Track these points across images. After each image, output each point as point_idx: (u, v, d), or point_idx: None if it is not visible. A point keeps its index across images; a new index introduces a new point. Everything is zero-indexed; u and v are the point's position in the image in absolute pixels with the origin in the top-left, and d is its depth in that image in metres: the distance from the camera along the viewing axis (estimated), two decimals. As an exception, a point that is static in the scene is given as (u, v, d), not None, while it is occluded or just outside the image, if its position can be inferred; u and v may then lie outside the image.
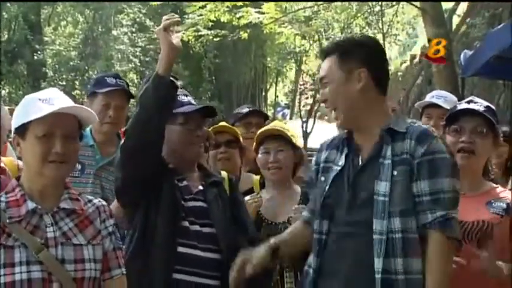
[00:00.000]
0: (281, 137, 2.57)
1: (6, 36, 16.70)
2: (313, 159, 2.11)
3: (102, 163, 2.68)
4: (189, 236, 2.09)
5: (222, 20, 9.41)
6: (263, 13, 9.27)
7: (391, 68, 16.52)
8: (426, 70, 11.45)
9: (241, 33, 9.94)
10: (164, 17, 2.09)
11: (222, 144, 2.86)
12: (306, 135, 17.89)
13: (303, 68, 21.78)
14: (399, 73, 16.05)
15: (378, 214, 1.81)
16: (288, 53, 21.54)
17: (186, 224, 2.10)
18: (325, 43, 17.14)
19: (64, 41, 18.44)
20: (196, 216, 2.13)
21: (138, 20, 17.70)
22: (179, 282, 2.04)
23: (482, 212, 2.10)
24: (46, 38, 18.34)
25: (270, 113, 21.93)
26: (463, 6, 10.50)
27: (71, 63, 17.64)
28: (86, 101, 2.82)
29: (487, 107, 2.21)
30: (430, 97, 3.26)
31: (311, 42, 18.50)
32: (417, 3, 8.42)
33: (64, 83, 16.94)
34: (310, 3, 11.33)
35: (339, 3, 14.30)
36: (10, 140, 2.03)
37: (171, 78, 2.05)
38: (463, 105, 2.25)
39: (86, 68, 17.43)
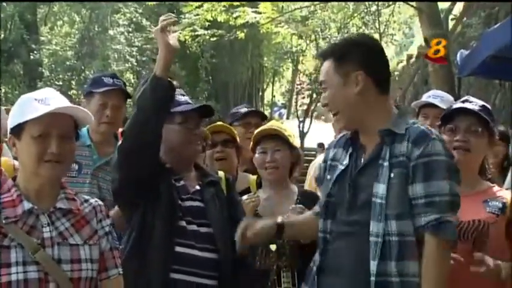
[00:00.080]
0: (278, 137, 2.57)
1: (2, 35, 16.63)
2: (324, 156, 2.12)
3: (99, 163, 2.68)
4: (187, 235, 2.09)
5: (218, 19, 9.41)
6: (260, 13, 9.28)
7: (388, 67, 16.47)
8: (423, 70, 11.48)
9: (238, 33, 9.94)
10: (161, 18, 2.09)
11: (219, 143, 2.86)
12: (302, 135, 17.90)
13: (300, 67, 21.75)
14: (396, 73, 16.07)
15: (375, 216, 1.81)
16: (285, 52, 21.55)
17: (183, 223, 2.10)
18: (321, 43, 17.17)
19: (60, 41, 18.39)
20: (193, 216, 2.13)
21: (134, 19, 17.67)
22: (177, 282, 2.04)
23: (478, 211, 2.10)
24: (42, 38, 18.29)
25: (266, 113, 21.81)
26: (459, 6, 10.52)
27: (68, 62, 17.60)
28: (83, 100, 2.81)
29: (482, 106, 2.21)
30: (427, 97, 3.26)
31: (308, 42, 18.51)
32: (413, 3, 8.43)
33: (60, 82, 16.89)
34: (306, 3, 11.34)
35: (335, 3, 14.32)
36: (6, 140, 2.03)
37: (169, 79, 2.05)
38: (457, 105, 2.26)
39: (83, 67, 17.39)
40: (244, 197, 2.48)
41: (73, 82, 17.40)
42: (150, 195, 2.08)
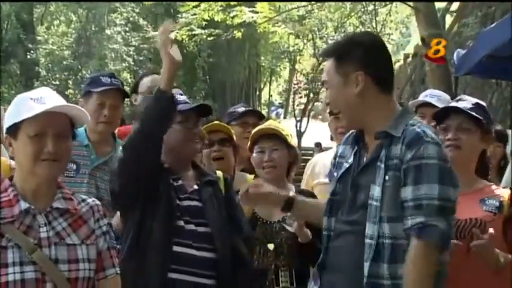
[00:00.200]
0: (276, 136, 2.57)
1: (-2, 35, 16.61)
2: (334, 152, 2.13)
3: (97, 163, 2.67)
4: (184, 235, 2.09)
5: (215, 19, 9.40)
6: (257, 12, 9.27)
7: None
8: (420, 69, 11.50)
9: (235, 32, 9.93)
10: (160, 30, 2.08)
11: (216, 142, 2.86)
12: (299, 134, 17.91)
13: (297, 67, 21.76)
14: (393, 72, 16.07)
15: (370, 218, 1.81)
16: (282, 52, 21.55)
17: (181, 223, 2.10)
18: (319, 42, 17.19)
19: (57, 40, 18.36)
20: (191, 216, 2.13)
21: (131, 19, 17.64)
22: (175, 281, 2.04)
23: (475, 210, 2.10)
24: (39, 37, 18.25)
25: (264, 112, 21.84)
26: (456, 6, 10.54)
27: (64, 62, 17.57)
28: (81, 100, 2.81)
29: (475, 104, 2.22)
30: (424, 96, 3.27)
31: (305, 41, 18.52)
32: (410, 3, 8.44)
33: (57, 82, 16.87)
34: (303, 3, 11.34)
35: (332, 3, 14.33)
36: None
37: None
38: (450, 104, 2.27)
39: (79, 67, 17.36)
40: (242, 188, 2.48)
41: (70, 82, 17.37)
42: (149, 196, 2.08)
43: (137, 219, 2.09)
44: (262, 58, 26.08)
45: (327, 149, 6.37)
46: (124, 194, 2.10)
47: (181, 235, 2.08)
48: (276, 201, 2.10)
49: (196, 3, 9.31)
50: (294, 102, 22.06)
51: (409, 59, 14.52)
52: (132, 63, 17.41)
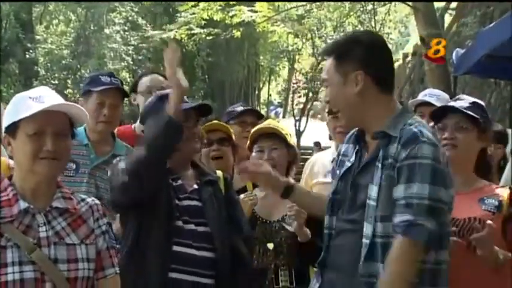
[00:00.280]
0: (275, 135, 2.57)
1: (-3, 34, 16.60)
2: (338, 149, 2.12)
3: (96, 162, 2.67)
4: (184, 235, 2.08)
5: (214, 18, 9.41)
6: (256, 11, 9.29)
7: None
8: (419, 69, 11.50)
9: (234, 31, 9.95)
10: (166, 54, 2.04)
11: (215, 142, 2.86)
12: (298, 133, 17.91)
13: (296, 66, 21.76)
14: (392, 71, 16.07)
15: (368, 218, 1.82)
16: (281, 51, 21.58)
17: (181, 223, 2.10)
18: (318, 42, 17.20)
19: (56, 40, 18.35)
20: (190, 215, 2.13)
21: (130, 18, 17.65)
22: (174, 281, 2.04)
23: (474, 209, 2.10)
24: (38, 37, 18.24)
25: (263, 112, 21.89)
26: (455, 5, 10.54)
27: (63, 61, 17.57)
28: (80, 99, 2.80)
29: (473, 103, 2.22)
30: (423, 95, 3.27)
31: (304, 40, 18.52)
32: (409, 2, 8.45)
33: (56, 81, 16.87)
34: (302, 2, 11.35)
35: (331, 2, 14.33)
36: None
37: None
38: (449, 103, 2.28)
39: (78, 66, 17.36)
40: (242, 195, 2.48)
41: (69, 81, 17.37)
42: (149, 198, 2.08)
43: (137, 220, 2.08)
44: (261, 57, 26.09)
45: (326, 148, 6.36)
46: (125, 207, 2.11)
47: (181, 235, 2.08)
48: (275, 184, 2.09)
49: (195, 2, 9.32)
50: (293, 101, 22.06)
51: (408, 59, 14.52)
52: (131, 62, 17.41)
